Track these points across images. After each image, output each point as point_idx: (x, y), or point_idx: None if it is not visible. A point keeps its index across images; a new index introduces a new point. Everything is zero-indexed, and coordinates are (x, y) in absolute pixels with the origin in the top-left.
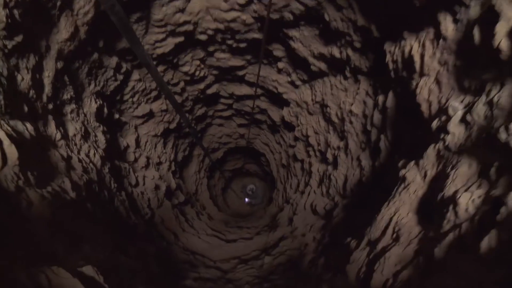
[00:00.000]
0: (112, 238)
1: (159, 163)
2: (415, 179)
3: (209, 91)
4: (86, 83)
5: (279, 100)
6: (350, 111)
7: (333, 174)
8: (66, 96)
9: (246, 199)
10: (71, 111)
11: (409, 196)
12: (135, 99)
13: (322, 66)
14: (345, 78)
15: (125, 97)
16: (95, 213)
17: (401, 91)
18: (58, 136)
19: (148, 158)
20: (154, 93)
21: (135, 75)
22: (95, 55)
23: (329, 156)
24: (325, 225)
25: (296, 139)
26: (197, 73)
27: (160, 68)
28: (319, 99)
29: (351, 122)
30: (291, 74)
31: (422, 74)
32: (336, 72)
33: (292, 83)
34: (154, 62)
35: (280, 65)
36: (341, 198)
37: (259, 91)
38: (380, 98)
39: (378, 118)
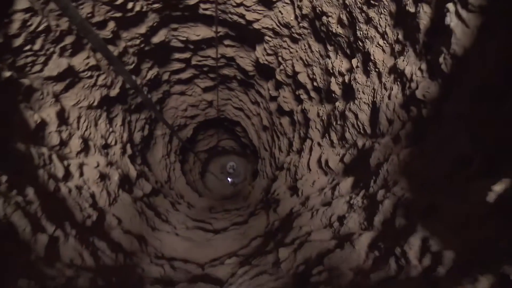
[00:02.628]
0: None
1: (106, 146)
2: None
3: (156, 39)
4: None
5: (249, 36)
6: (367, 2)
7: (349, 110)
8: None
9: (229, 179)
10: None
11: None
12: (36, 47)
13: None
14: None
15: (17, 43)
16: None
17: None
18: None
19: (85, 139)
20: (69, 39)
21: (23, 2)
22: None
23: (334, 88)
24: (355, 183)
25: (278, 85)
26: (131, 4)
27: None
28: (307, 10)
29: (369, 19)
30: None
31: None
32: None
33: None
34: None
35: None
36: (369, 138)
37: (221, 29)
38: None
39: None
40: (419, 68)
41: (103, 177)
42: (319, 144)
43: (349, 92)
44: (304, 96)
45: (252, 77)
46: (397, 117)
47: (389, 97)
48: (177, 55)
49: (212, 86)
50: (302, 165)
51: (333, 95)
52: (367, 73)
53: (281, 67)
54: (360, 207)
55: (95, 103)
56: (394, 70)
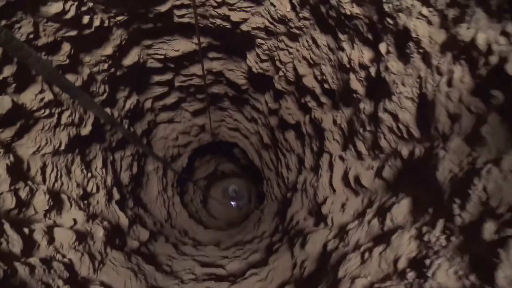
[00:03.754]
0: None
1: (86, 196)
2: None
3: (128, 61)
4: None
5: (237, 43)
6: None
7: (383, 110)
8: None
9: (233, 203)
10: None
11: None
12: None
13: None
14: None
15: None
16: None
17: None
18: None
19: (55, 193)
20: (9, 69)
21: None
22: None
23: (355, 86)
24: (416, 206)
25: (278, 96)
26: (86, 19)
27: None
28: None
29: None
30: None
31: None
32: None
33: None
34: None
35: None
36: (420, 143)
37: (203, 40)
38: None
39: None
40: (503, 32)
41: (83, 237)
42: (341, 158)
43: (379, 88)
44: (312, 104)
45: (245, 92)
46: (467, 110)
47: (449, 84)
48: (157, 78)
49: (202, 108)
50: (323, 185)
51: (355, 95)
52: (405, 58)
53: (280, 73)
54: (445, 247)
55: (63, 147)
56: (453, 45)
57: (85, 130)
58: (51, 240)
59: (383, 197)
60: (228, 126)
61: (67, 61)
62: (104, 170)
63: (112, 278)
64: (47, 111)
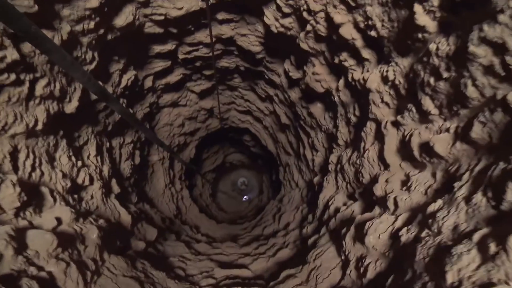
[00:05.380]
0: None
1: (76, 189)
2: None
3: (120, 21)
4: None
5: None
6: None
7: (478, 40)
8: None
9: (244, 197)
10: None
11: None
12: None
13: None
14: None
15: None
16: None
17: None
18: None
19: (31, 185)
20: None
21: None
22: None
23: (423, 20)
24: None
25: (302, 60)
26: None
27: None
28: None
29: None
30: None
31: None
32: None
33: None
34: None
35: None
36: None
37: None
38: None
39: None
40: None
41: (69, 241)
42: (395, 124)
43: (469, 10)
44: (350, 62)
45: (260, 62)
46: None
47: None
48: (157, 48)
49: (209, 88)
50: (369, 160)
51: (420, 35)
52: None
53: (308, 27)
54: None
55: (39, 126)
56: None
57: (70, 107)
58: (21, 248)
59: (475, 165)
60: (239, 109)
61: (35, 7)
62: (99, 158)
63: None
64: (13, 77)
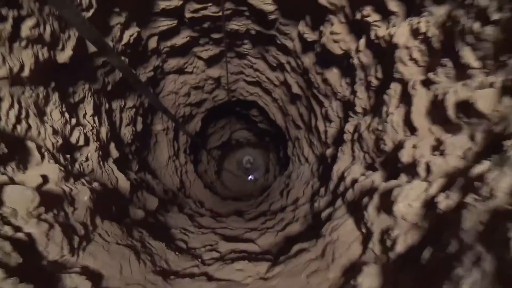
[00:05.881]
0: None
1: (68, 148)
2: None
3: None
4: None
5: None
6: None
7: None
8: None
9: (250, 176)
10: None
11: None
12: None
13: None
14: None
15: None
16: None
17: None
18: None
19: (13, 139)
20: None
21: None
22: None
23: None
24: None
25: (319, 20)
26: None
27: None
28: None
29: None
30: None
31: None
32: None
33: None
34: None
35: None
36: None
37: None
38: None
39: None
40: None
41: (55, 201)
42: (424, 83)
43: None
44: (374, 17)
45: (272, 25)
46: None
47: None
48: (162, 3)
49: (218, 54)
50: (393, 125)
51: None
52: None
53: None
54: None
55: (26, 73)
56: None
57: (63, 56)
58: None
59: None
60: (247, 79)
61: None
62: (96, 119)
63: (102, 261)
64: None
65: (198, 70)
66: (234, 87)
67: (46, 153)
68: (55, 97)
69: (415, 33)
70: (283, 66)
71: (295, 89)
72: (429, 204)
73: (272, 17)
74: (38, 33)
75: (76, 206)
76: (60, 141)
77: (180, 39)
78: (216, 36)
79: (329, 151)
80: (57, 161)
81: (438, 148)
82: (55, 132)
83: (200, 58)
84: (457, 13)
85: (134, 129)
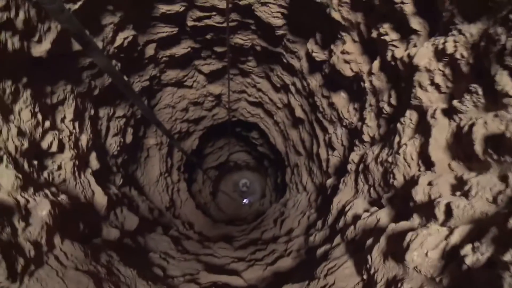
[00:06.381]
0: None
1: (37, 154)
2: None
3: None
4: None
5: None
6: None
7: None
8: None
9: (245, 200)
10: None
11: None
12: None
13: None
14: None
15: None
16: None
17: None
18: None
19: None
20: None
21: None
22: None
23: None
24: None
25: (330, 37)
26: None
27: None
28: None
29: None
30: None
31: None
32: None
33: None
34: None
35: None
36: None
37: None
38: None
39: None
40: None
41: (2, 213)
42: (446, 112)
43: None
44: (392, 36)
45: (279, 41)
46: None
47: None
48: (163, 8)
49: (220, 70)
50: (406, 157)
51: None
52: None
53: None
54: None
55: None
56: None
57: (40, 49)
58: None
59: None
60: (250, 99)
61: None
62: (77, 124)
63: None
64: None
65: (198, 85)
66: (235, 107)
67: (5, 156)
68: (26, 94)
69: (439, 54)
70: (288, 87)
71: (299, 113)
72: (450, 256)
73: (280, 32)
74: (7, 17)
75: (30, 221)
76: (26, 144)
77: (180, 49)
78: (219, 49)
79: (329, 181)
80: (17, 167)
81: (460, 188)
82: (21, 133)
83: (200, 72)
84: (494, 31)
85: (122, 140)
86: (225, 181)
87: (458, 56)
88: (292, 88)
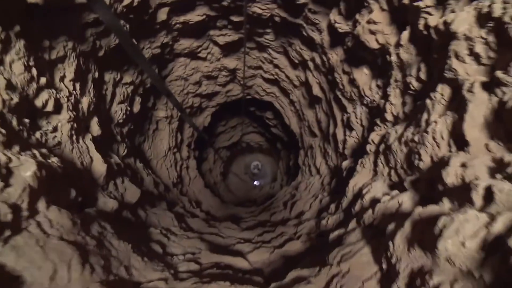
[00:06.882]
0: None
1: (30, 112)
2: None
3: None
4: None
5: None
6: None
7: None
8: None
9: (256, 182)
10: None
11: None
12: None
13: None
14: None
15: None
16: None
17: None
18: None
19: None
20: None
21: None
22: None
23: None
24: None
25: (356, 6)
26: None
27: None
28: None
29: None
30: None
31: None
32: None
33: None
34: None
35: None
36: None
37: None
38: None
39: None
40: None
41: None
42: (485, 86)
43: None
44: (427, 2)
45: (300, 11)
46: None
47: None
48: None
49: (236, 42)
50: (436, 136)
51: None
52: None
53: None
54: None
55: None
56: None
57: None
58: None
59: None
60: (265, 76)
61: None
62: (78, 85)
63: (28, 261)
64: None
65: (213, 58)
66: (250, 83)
67: None
68: (19, 45)
69: (483, 19)
70: (306, 63)
71: (316, 91)
72: (493, 247)
73: (302, 1)
74: None
75: (10, 181)
76: (16, 99)
77: (194, 16)
78: (236, 19)
79: (345, 163)
80: (3, 122)
81: (500, 170)
82: (10, 87)
83: (216, 43)
84: None
85: (129, 108)
86: (236, 162)
87: (506, 19)
88: (310, 64)
